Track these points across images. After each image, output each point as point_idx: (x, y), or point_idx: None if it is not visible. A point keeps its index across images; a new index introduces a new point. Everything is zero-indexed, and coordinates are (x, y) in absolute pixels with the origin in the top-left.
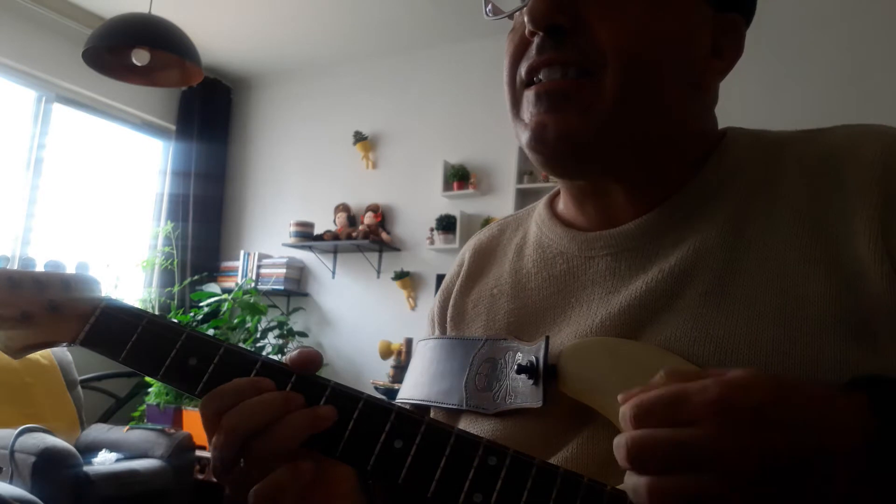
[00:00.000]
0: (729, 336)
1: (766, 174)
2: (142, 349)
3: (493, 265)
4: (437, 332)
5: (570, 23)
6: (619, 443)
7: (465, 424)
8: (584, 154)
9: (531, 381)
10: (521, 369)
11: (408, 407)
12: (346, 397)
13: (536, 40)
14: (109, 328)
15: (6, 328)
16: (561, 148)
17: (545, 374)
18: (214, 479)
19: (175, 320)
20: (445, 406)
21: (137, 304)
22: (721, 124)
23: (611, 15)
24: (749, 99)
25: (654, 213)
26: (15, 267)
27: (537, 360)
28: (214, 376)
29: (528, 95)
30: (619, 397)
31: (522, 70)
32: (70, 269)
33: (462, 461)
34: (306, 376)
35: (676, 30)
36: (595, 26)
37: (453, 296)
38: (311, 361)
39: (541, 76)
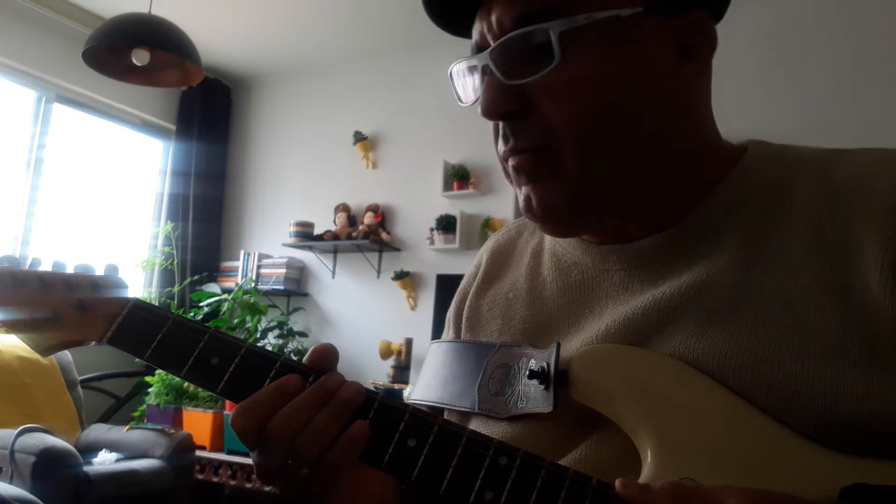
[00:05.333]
0: (733, 354)
1: (784, 197)
2: (166, 348)
3: (510, 268)
4: (452, 333)
5: (521, 107)
6: None
7: (477, 428)
8: (572, 219)
9: (542, 387)
10: (532, 374)
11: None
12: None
13: (499, 126)
14: (135, 328)
15: (36, 327)
16: (548, 217)
17: (556, 379)
18: (214, 480)
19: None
20: (458, 409)
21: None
22: (721, 126)
23: (554, 90)
24: (748, 100)
25: (667, 232)
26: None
27: (548, 365)
28: (235, 375)
29: (510, 168)
30: (616, 484)
31: (498, 147)
32: (99, 271)
33: (473, 460)
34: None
35: (627, 71)
36: (543, 106)
37: (469, 297)
38: (327, 358)
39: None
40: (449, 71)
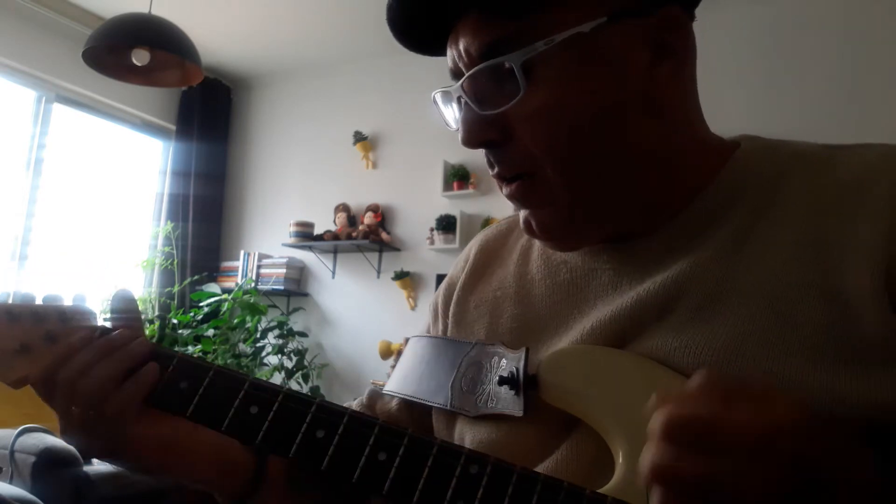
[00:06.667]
0: (711, 350)
1: (775, 192)
2: None
3: (498, 265)
4: (439, 323)
5: (499, 136)
6: (644, 462)
7: (449, 425)
8: (573, 236)
9: (513, 392)
10: (502, 380)
11: (395, 400)
12: (331, 413)
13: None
14: None
15: (5, 360)
16: (549, 237)
17: (525, 384)
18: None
19: (178, 324)
20: (431, 403)
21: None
22: (720, 125)
23: (527, 117)
24: (748, 100)
25: (658, 232)
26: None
27: (517, 370)
28: (204, 397)
29: (503, 190)
30: (652, 400)
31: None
32: (67, 301)
33: (444, 470)
34: (292, 394)
35: (598, 84)
36: (520, 133)
37: (457, 292)
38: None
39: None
40: (432, 97)
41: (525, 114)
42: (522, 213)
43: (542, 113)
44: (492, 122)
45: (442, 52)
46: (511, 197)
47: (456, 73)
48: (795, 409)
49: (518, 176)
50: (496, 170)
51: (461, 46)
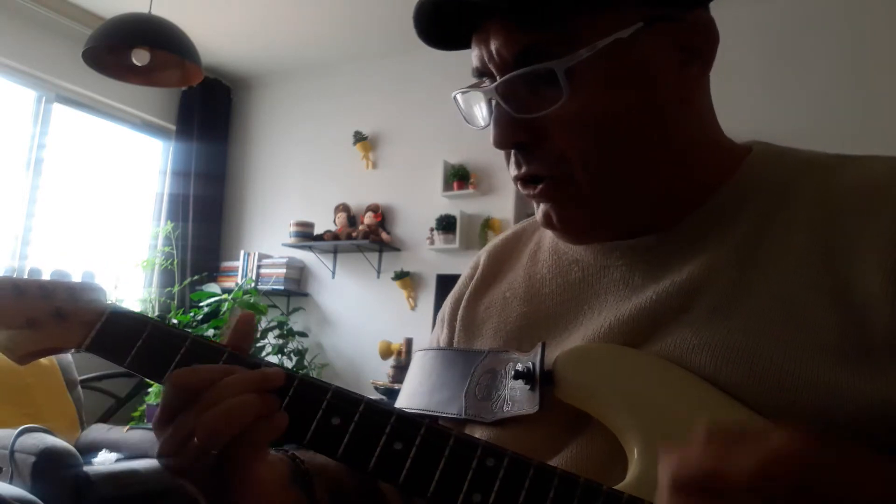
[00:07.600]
0: (727, 349)
1: (786, 197)
2: (146, 355)
3: (508, 270)
4: (445, 333)
5: (530, 138)
6: None
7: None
8: (591, 231)
9: (528, 387)
10: (517, 375)
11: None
12: (347, 401)
13: (511, 154)
14: (115, 334)
15: (12, 335)
16: (568, 231)
17: (542, 379)
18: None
19: (178, 324)
20: (445, 415)
21: (138, 304)
22: (724, 125)
23: (564, 122)
24: (749, 100)
25: (671, 230)
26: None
27: (533, 365)
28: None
29: (525, 196)
30: (660, 455)
31: (511, 170)
32: (76, 278)
33: (460, 462)
34: (308, 381)
35: (635, 90)
36: (554, 136)
37: (465, 298)
38: (246, 323)
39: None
40: (453, 96)
41: (564, 118)
42: (543, 206)
43: (583, 117)
44: (524, 124)
45: (459, 48)
46: (536, 196)
47: (482, 73)
48: (793, 441)
49: (544, 178)
50: (523, 170)
51: (493, 48)
